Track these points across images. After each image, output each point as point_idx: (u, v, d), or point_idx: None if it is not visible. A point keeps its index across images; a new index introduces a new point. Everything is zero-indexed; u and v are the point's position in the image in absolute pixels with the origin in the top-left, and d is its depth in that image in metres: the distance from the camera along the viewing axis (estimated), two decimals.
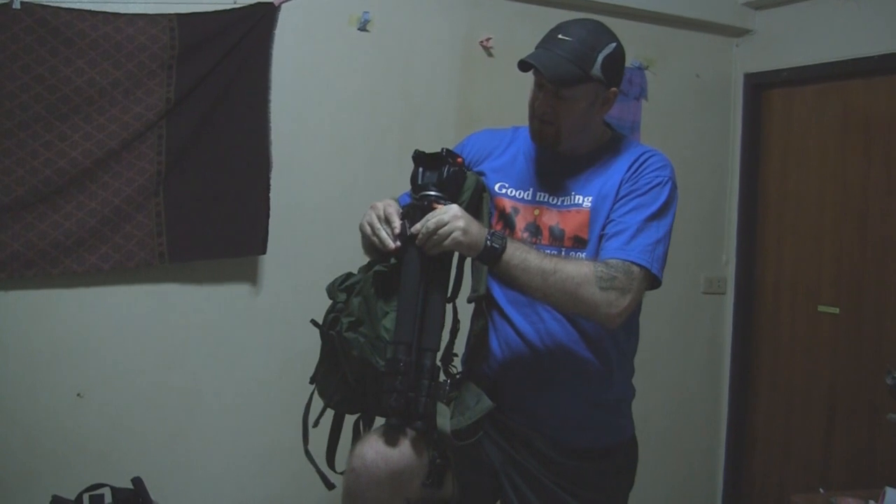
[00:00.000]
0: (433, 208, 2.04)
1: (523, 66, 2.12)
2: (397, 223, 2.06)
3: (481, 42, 3.80)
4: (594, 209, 2.17)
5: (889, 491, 3.00)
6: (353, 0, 3.55)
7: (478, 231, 2.02)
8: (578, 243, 2.17)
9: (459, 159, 2.19)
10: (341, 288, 2.15)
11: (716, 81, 4.41)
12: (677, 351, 4.38)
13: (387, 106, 3.65)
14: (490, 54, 3.81)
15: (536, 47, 2.18)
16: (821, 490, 3.41)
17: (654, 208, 2.13)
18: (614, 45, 2.17)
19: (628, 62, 4.07)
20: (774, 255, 4.35)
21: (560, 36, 2.14)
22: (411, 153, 2.18)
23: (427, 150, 2.18)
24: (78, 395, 3.17)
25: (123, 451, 3.23)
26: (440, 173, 2.13)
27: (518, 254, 2.02)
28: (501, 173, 2.30)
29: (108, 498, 3.03)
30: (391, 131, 3.64)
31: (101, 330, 3.21)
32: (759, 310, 4.41)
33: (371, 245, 2.13)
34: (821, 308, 4.07)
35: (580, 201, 2.19)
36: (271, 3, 3.33)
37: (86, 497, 3.01)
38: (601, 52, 2.13)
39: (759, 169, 4.41)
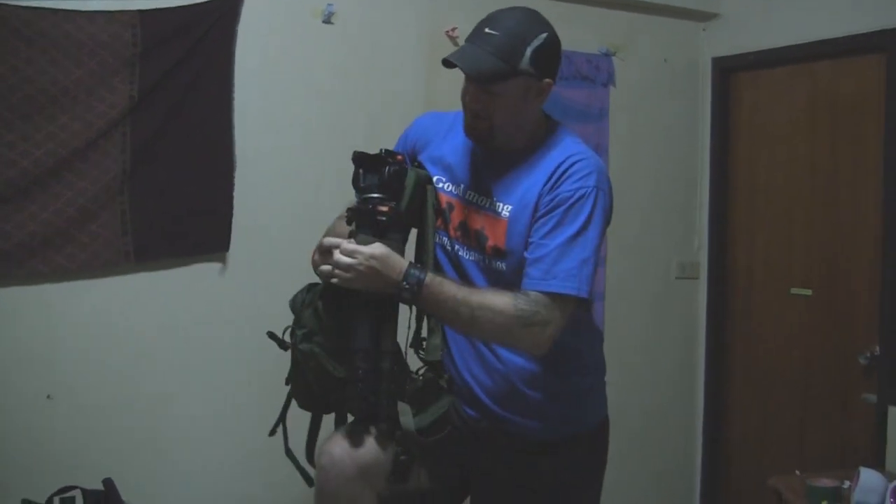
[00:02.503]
0: (377, 211, 2.03)
1: (447, 64, 2.05)
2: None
3: (447, 32, 3.78)
4: (512, 219, 2.10)
5: (863, 471, 3.02)
6: None
7: (387, 281, 1.98)
8: (498, 254, 2.12)
9: (400, 157, 2.16)
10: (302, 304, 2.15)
11: (684, 66, 4.41)
12: (651, 336, 4.39)
13: (353, 98, 3.63)
14: (456, 44, 3.77)
15: (465, 41, 2.11)
16: (797, 472, 3.43)
17: (576, 226, 2.03)
18: (545, 35, 2.08)
19: (596, 49, 4.11)
20: (746, 239, 4.36)
21: (487, 30, 2.07)
22: (370, 150, 2.15)
23: (368, 151, 2.14)
24: (48, 396, 3.14)
25: (94, 453, 3.20)
26: (381, 174, 2.09)
27: (431, 300, 1.99)
28: (439, 166, 2.24)
29: (78, 500, 3.00)
30: (358, 123, 3.61)
31: (71, 329, 3.18)
32: (733, 293, 4.43)
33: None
34: (793, 290, 4.09)
35: (500, 209, 2.12)
36: None
37: (56, 500, 2.98)
38: (530, 44, 2.04)
39: (729, 153, 4.42)
